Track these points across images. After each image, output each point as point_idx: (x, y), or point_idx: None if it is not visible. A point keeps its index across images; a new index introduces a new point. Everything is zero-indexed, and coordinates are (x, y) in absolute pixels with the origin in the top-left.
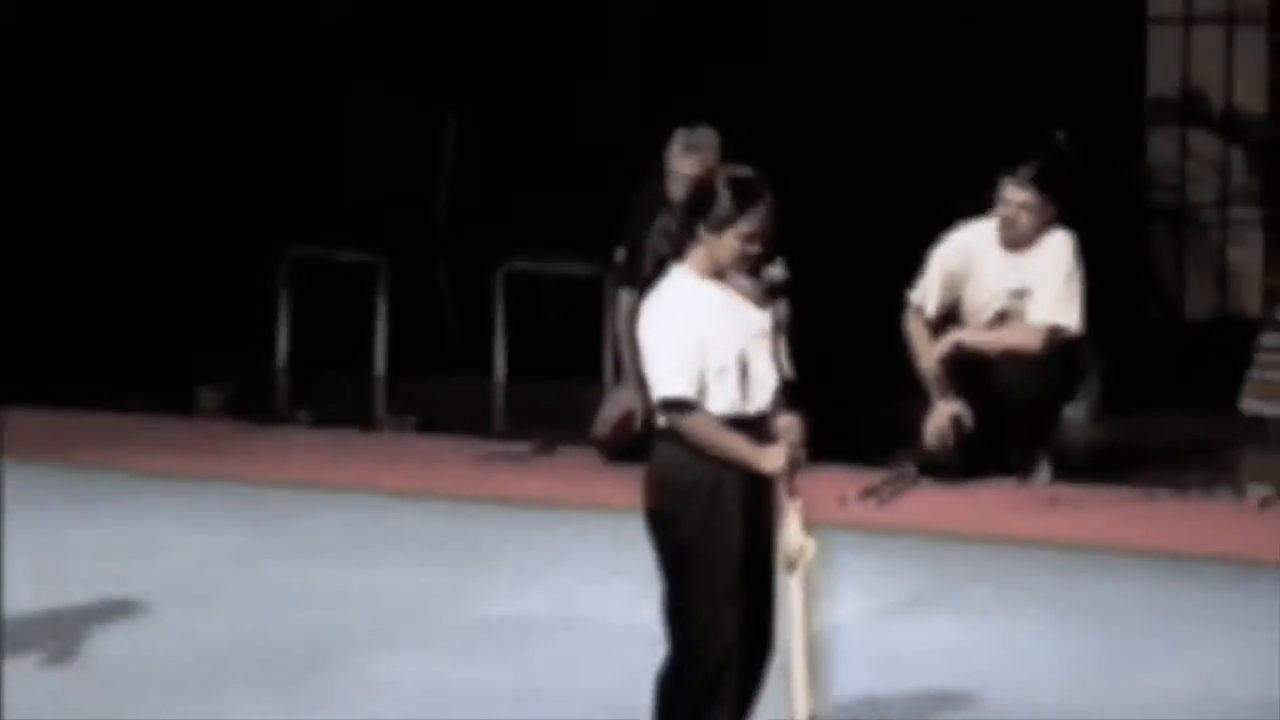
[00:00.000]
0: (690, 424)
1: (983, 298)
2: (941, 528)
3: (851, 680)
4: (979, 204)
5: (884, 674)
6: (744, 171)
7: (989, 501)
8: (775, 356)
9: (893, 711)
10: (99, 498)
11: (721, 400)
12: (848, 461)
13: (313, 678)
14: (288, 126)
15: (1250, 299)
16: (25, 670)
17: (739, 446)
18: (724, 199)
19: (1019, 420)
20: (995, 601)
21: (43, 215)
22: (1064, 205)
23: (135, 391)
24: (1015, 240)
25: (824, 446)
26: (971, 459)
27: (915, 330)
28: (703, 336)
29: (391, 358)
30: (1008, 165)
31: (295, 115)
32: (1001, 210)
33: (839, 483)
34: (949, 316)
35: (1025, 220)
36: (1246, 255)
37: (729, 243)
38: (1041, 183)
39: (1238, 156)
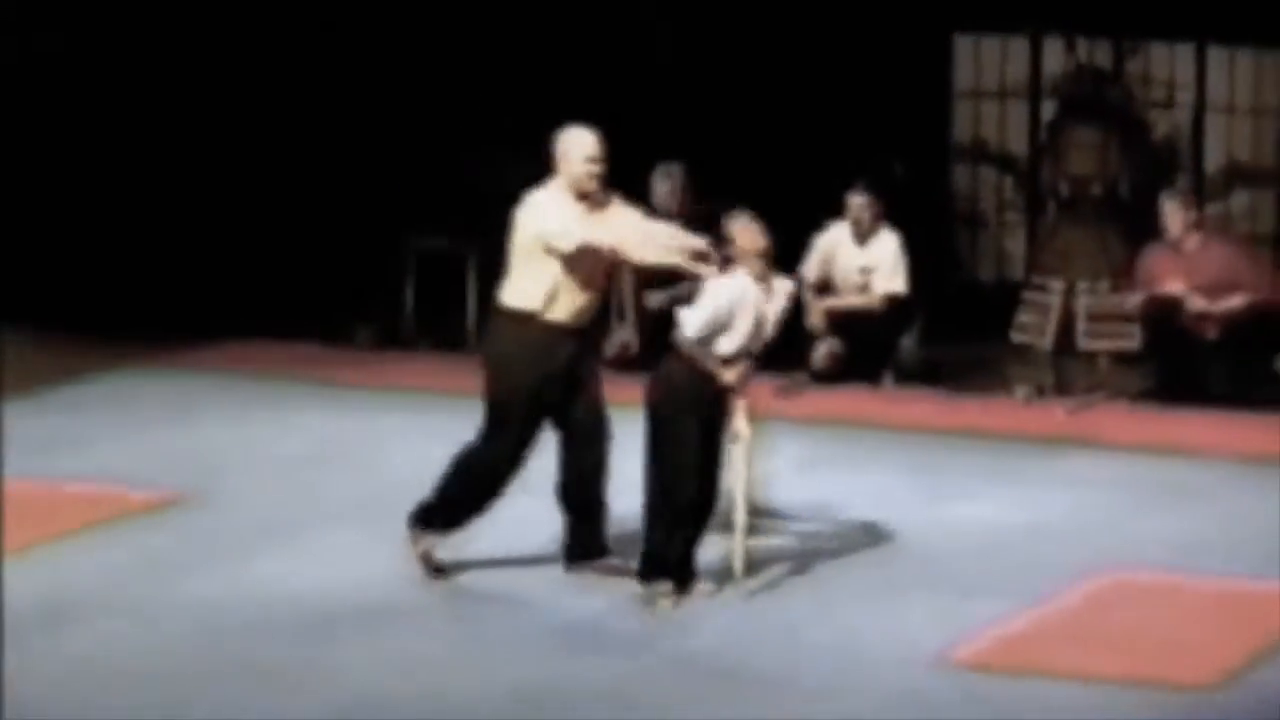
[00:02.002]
0: (695, 350)
1: (843, 273)
2: (825, 416)
3: (775, 509)
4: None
5: (796, 506)
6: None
7: (853, 399)
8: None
9: (802, 523)
10: (295, 398)
11: (726, 345)
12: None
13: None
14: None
15: (1017, 271)
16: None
17: (715, 366)
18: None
19: (871, 349)
20: (860, 462)
21: (274, 217)
22: (889, 206)
23: (315, 328)
24: (861, 234)
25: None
26: (842, 373)
27: (806, 294)
28: (734, 310)
29: (479, 310)
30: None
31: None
32: (850, 215)
33: (762, 388)
34: (827, 283)
35: (866, 217)
36: (1015, 244)
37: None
38: (870, 189)
39: (1009, 183)
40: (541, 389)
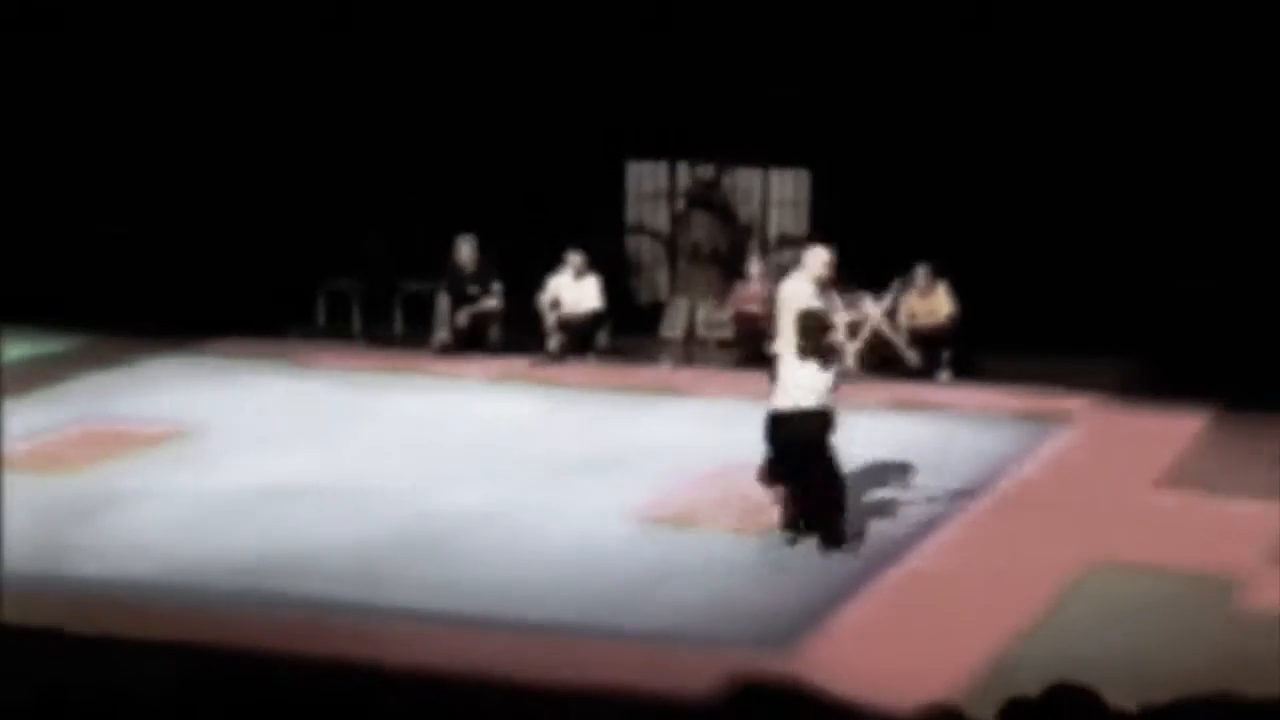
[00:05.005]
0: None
1: (566, 298)
2: (556, 380)
3: (524, 436)
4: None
5: (539, 433)
6: None
7: (572, 370)
8: None
9: (541, 443)
10: (258, 373)
11: None
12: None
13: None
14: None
15: (663, 295)
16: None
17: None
18: None
19: (581, 340)
20: (581, 405)
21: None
22: (592, 259)
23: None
24: (577, 275)
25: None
26: (565, 355)
27: (544, 310)
28: None
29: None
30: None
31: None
32: (571, 264)
33: (520, 362)
34: (557, 303)
35: (580, 266)
36: (662, 280)
37: None
38: (582, 250)
39: (658, 246)
40: None
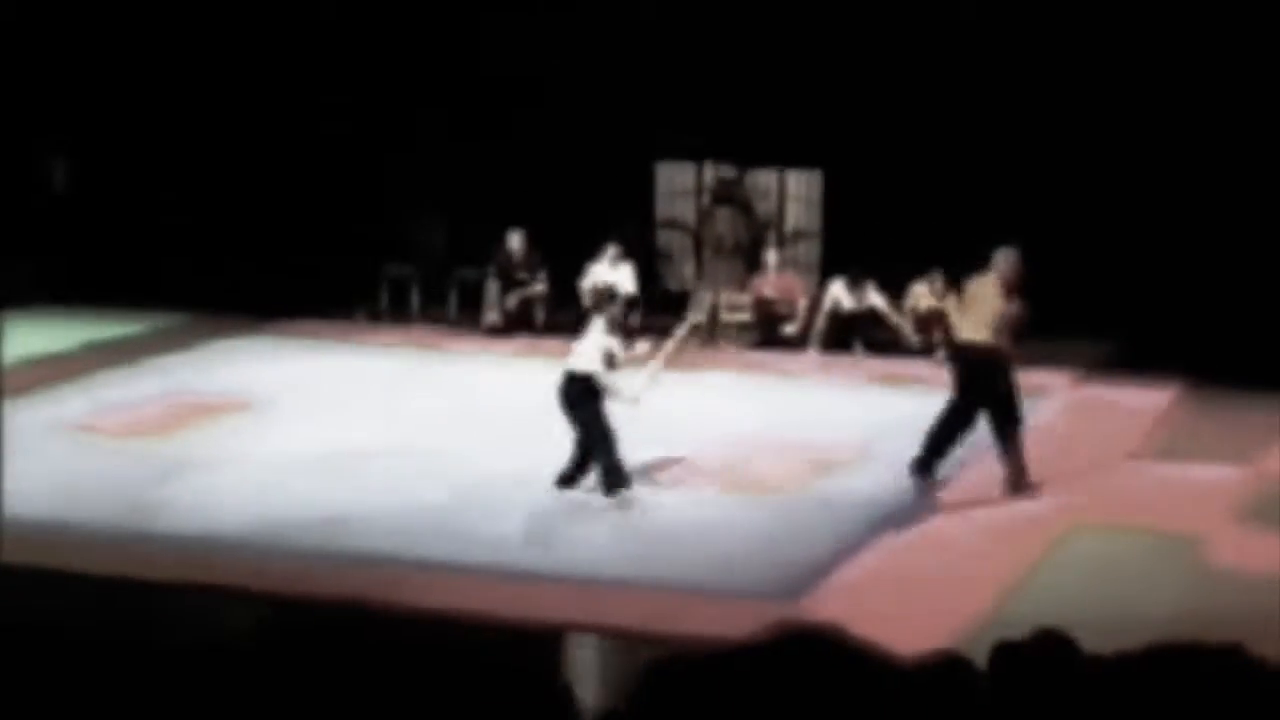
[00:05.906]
0: None
1: (604, 285)
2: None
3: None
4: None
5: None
6: None
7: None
8: None
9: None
10: (326, 350)
11: None
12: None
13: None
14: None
15: (689, 284)
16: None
17: None
18: None
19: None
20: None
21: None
22: (627, 249)
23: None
24: (613, 263)
25: None
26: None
27: (583, 295)
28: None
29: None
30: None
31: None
32: (608, 254)
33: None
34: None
35: (616, 256)
36: (688, 270)
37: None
38: (618, 243)
39: (686, 239)
40: None
